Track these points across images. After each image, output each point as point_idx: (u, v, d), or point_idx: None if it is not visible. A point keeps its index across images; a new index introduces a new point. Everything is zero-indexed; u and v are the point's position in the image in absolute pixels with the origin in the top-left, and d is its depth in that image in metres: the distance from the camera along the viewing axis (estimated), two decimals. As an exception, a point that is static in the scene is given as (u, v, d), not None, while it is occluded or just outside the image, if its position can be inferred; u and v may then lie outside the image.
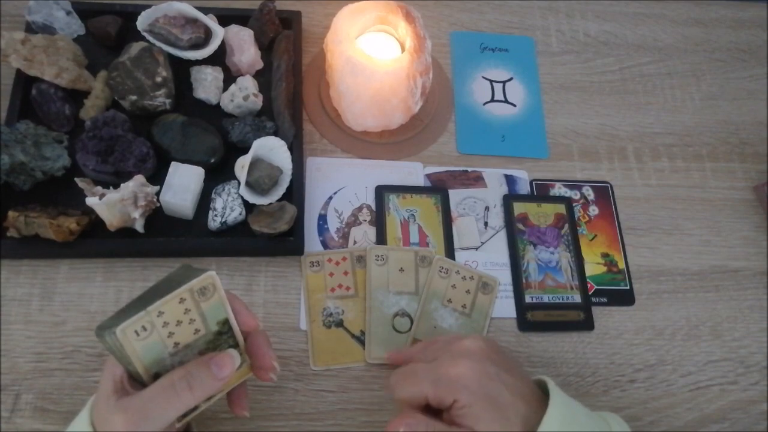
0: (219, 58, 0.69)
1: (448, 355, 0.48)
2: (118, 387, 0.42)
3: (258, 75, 0.71)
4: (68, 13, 0.68)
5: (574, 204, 0.71)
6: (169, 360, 0.43)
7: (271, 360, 0.47)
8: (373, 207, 0.67)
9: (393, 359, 0.56)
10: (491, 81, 0.78)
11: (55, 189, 0.61)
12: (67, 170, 0.61)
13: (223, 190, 0.62)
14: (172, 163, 0.61)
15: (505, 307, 0.64)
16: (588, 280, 0.67)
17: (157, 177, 0.61)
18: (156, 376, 0.43)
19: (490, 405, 0.44)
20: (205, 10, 0.69)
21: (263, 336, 0.47)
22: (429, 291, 0.62)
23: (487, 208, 0.69)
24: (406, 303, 0.62)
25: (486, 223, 0.69)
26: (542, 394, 0.47)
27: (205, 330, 0.44)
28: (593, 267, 0.68)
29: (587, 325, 0.64)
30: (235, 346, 0.46)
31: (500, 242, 0.68)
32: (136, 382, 0.43)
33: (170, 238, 0.60)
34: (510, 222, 0.68)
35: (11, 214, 0.56)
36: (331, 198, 0.67)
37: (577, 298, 0.65)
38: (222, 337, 0.45)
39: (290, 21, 0.74)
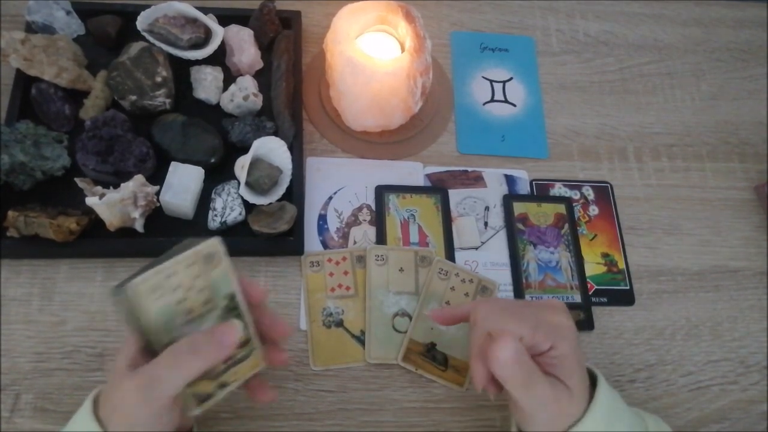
0: (219, 58, 0.69)
1: (545, 306, 0.47)
2: (132, 363, 0.42)
3: (258, 75, 0.70)
4: (68, 13, 0.68)
5: (574, 204, 0.71)
6: (180, 330, 0.43)
7: (284, 325, 0.48)
8: (373, 207, 0.67)
9: (437, 316, 0.53)
10: (491, 81, 0.78)
11: (55, 189, 0.61)
12: (66, 170, 0.61)
13: (223, 190, 0.62)
14: (172, 163, 0.61)
15: (505, 307, 0.64)
16: (588, 280, 0.67)
17: (157, 177, 0.61)
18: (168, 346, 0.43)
19: (581, 364, 0.45)
20: (205, 10, 0.69)
21: (272, 311, 0.48)
22: (428, 292, 0.62)
23: (487, 208, 0.69)
24: (406, 303, 0.62)
25: (486, 223, 0.68)
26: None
27: (214, 302, 0.44)
28: (593, 267, 0.68)
29: (587, 325, 0.64)
30: (244, 326, 0.46)
31: (500, 242, 0.68)
32: (148, 356, 0.43)
33: (170, 238, 0.60)
34: (510, 222, 0.68)
35: (11, 214, 0.56)
36: (331, 198, 0.67)
37: (577, 298, 0.65)
38: (231, 315, 0.45)
39: (290, 21, 0.74)
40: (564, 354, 0.45)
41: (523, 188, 0.71)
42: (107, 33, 0.68)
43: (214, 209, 0.61)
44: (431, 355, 0.60)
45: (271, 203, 0.62)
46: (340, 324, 0.61)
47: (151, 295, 0.41)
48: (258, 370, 0.48)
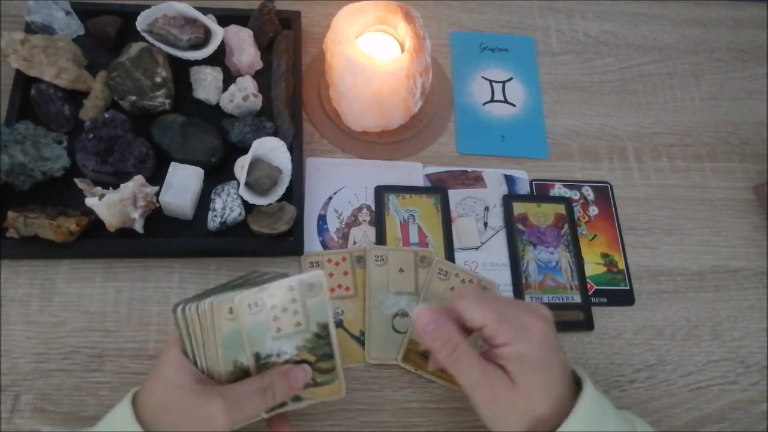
0: (218, 59, 0.69)
1: (524, 308, 0.48)
2: (199, 378, 0.46)
3: (258, 75, 0.70)
4: (67, 13, 0.68)
5: (573, 204, 0.71)
6: (269, 344, 0.47)
7: None
8: (373, 207, 0.67)
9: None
10: (491, 81, 0.78)
11: (55, 189, 0.61)
12: (66, 171, 0.61)
13: (223, 190, 0.62)
14: (172, 163, 0.61)
15: (504, 307, 0.64)
16: (588, 280, 0.67)
17: (157, 177, 0.61)
18: (257, 356, 0.47)
19: (544, 369, 0.45)
20: (205, 11, 0.69)
21: None
22: (427, 292, 0.62)
23: (486, 209, 0.69)
24: (405, 303, 0.62)
25: (486, 224, 0.68)
26: (574, 384, 0.48)
27: (305, 326, 0.47)
28: (593, 267, 0.68)
29: (587, 325, 0.64)
30: (331, 356, 0.48)
31: (500, 242, 0.68)
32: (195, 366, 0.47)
33: (170, 238, 0.60)
34: (510, 222, 0.68)
35: (11, 214, 0.56)
36: (330, 198, 0.67)
37: (577, 298, 0.65)
38: (320, 342, 0.48)
39: (290, 21, 0.74)
40: (518, 353, 0.45)
41: (523, 188, 0.71)
42: (107, 33, 0.68)
43: (214, 209, 0.61)
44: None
45: (270, 203, 0.62)
46: (339, 324, 0.60)
47: (251, 309, 0.45)
48: (337, 397, 0.50)
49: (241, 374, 0.47)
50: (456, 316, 0.48)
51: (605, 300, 0.66)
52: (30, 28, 0.68)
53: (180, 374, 0.45)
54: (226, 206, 0.61)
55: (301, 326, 0.47)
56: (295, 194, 0.64)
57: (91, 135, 0.60)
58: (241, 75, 0.70)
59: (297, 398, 0.49)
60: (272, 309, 0.46)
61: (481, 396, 0.45)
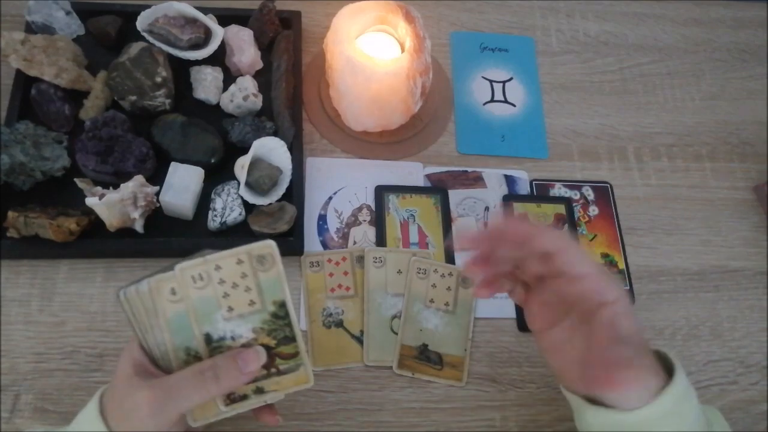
0: (219, 59, 0.69)
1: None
2: (140, 369, 0.42)
3: (258, 75, 0.70)
4: (68, 13, 0.68)
5: (573, 204, 0.71)
6: (221, 324, 0.42)
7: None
8: (373, 207, 0.67)
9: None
10: (491, 81, 0.78)
11: (55, 189, 0.61)
12: (66, 170, 0.61)
13: (223, 190, 0.62)
14: (172, 163, 0.61)
15: (504, 307, 0.64)
16: (588, 280, 0.67)
17: (157, 177, 0.61)
18: (207, 338, 0.42)
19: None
20: (205, 10, 0.69)
21: None
22: (410, 294, 0.62)
23: (486, 209, 0.69)
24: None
25: (486, 224, 0.68)
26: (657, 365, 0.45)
27: (260, 305, 0.43)
28: (593, 267, 0.68)
29: (587, 325, 0.64)
30: (292, 339, 0.44)
31: (500, 242, 0.67)
32: (157, 367, 0.43)
33: (170, 238, 0.60)
34: (510, 222, 0.68)
35: (11, 214, 0.56)
36: (330, 198, 0.67)
37: (577, 298, 0.65)
38: (278, 322, 0.43)
39: (290, 21, 0.74)
40: (618, 313, 0.45)
41: (523, 188, 0.71)
42: (107, 33, 0.68)
43: (214, 209, 0.61)
44: (425, 356, 0.60)
45: (271, 203, 0.62)
46: (340, 324, 0.60)
47: (196, 282, 0.41)
48: (305, 386, 0.45)
49: (195, 362, 0.43)
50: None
51: (605, 300, 0.66)
52: (30, 28, 0.68)
53: (123, 365, 0.43)
54: (227, 206, 0.61)
55: (255, 305, 0.43)
56: (295, 194, 0.64)
57: (91, 135, 0.60)
58: (241, 75, 0.70)
59: (259, 390, 0.44)
60: (221, 284, 0.41)
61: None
